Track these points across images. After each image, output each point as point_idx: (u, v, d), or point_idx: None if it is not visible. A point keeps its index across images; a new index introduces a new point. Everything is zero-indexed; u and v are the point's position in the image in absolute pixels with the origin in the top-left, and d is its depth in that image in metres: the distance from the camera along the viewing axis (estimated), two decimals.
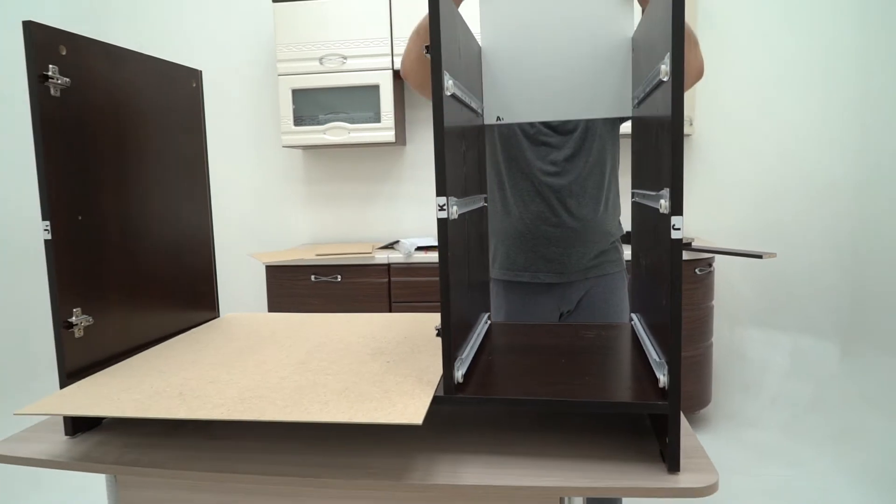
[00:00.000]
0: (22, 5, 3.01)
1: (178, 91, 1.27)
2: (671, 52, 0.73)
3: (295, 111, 2.91)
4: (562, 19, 1.18)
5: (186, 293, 1.29)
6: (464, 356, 0.92)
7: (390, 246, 2.97)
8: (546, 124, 1.41)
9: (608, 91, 1.19)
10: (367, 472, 0.83)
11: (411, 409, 0.80)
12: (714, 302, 2.77)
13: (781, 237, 3.00)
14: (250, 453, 0.90)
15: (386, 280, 2.73)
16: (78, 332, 0.98)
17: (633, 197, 1.19)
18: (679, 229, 0.75)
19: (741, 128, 2.99)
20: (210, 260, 1.37)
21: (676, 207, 0.75)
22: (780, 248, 2.98)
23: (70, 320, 0.97)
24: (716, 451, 2.52)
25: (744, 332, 3.08)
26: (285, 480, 0.84)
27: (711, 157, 3.03)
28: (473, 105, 1.09)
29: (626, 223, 1.49)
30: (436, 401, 0.84)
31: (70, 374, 0.97)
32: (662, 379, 0.81)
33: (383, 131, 2.86)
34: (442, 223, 0.82)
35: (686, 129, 2.89)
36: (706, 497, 0.77)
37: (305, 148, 3.16)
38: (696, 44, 1.25)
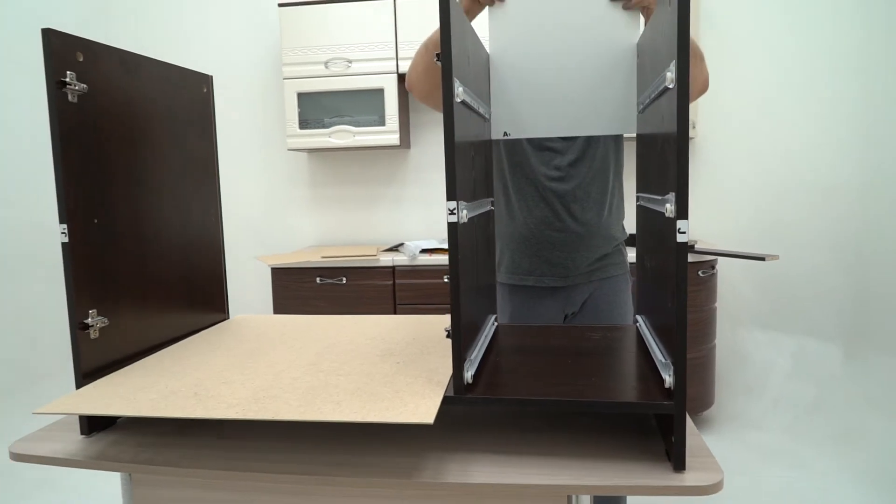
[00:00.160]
0: (36, 9, 3.04)
1: (190, 96, 1.29)
2: (677, 59, 0.75)
3: (300, 114, 2.93)
4: (569, 30, 1.19)
5: (197, 295, 1.31)
6: (473, 357, 0.94)
7: (395, 248, 2.99)
8: None
9: (615, 107, 1.21)
10: (378, 471, 0.85)
11: (422, 408, 0.81)
12: (717, 304, 2.78)
13: (784, 239, 3.00)
14: (262, 452, 0.92)
15: (390, 282, 2.75)
16: (93, 334, 1.00)
17: (637, 200, 1.21)
18: (685, 233, 0.76)
19: (743, 130, 3.00)
20: (220, 262, 1.39)
21: (682, 211, 0.76)
22: (783, 250, 2.99)
23: (86, 321, 0.99)
24: (719, 452, 2.54)
25: (747, 334, 3.09)
26: (297, 479, 0.86)
27: (713, 159, 3.04)
28: (482, 111, 1.10)
29: (630, 226, 1.51)
30: (446, 401, 0.86)
31: (86, 374, 0.98)
32: (668, 379, 0.82)
33: (388, 134, 2.88)
34: (452, 227, 0.84)
35: None
36: (711, 496, 0.78)
37: (311, 151, 3.18)
38: (701, 58, 1.26)
